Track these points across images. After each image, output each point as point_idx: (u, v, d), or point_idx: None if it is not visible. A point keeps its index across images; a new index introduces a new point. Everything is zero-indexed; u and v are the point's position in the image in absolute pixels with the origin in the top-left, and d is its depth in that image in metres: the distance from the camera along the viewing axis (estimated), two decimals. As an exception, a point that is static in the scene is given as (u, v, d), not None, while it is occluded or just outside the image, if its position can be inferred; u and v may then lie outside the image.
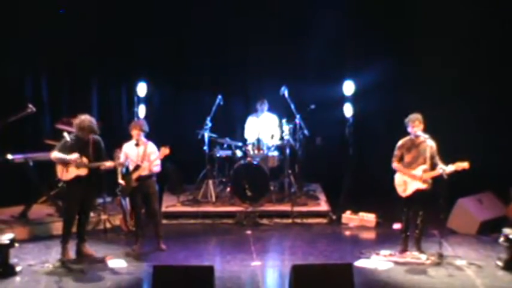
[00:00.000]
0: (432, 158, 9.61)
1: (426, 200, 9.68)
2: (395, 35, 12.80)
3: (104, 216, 11.20)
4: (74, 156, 9.49)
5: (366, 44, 12.95)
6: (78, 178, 9.58)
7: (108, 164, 9.65)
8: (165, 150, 9.93)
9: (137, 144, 10.00)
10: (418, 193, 9.66)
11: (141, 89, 12.69)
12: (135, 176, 9.95)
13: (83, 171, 9.58)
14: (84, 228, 9.91)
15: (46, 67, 12.71)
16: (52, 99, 12.82)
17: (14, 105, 11.16)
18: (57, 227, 10.55)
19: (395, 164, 9.79)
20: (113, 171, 10.18)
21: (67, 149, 9.58)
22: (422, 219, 9.74)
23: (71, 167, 9.57)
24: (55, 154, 9.64)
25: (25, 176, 11.24)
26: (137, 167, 9.94)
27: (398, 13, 12.75)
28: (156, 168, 10.04)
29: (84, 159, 9.53)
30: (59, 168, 9.64)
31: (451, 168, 9.41)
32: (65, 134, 9.68)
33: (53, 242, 10.29)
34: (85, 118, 9.63)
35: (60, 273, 9.18)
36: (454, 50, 12.42)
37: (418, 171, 9.62)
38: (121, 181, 10.03)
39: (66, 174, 9.60)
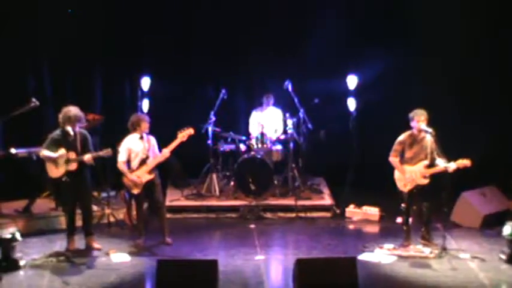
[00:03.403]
0: (432, 152, 9.61)
1: (427, 194, 9.69)
2: (398, 29, 12.76)
3: (107, 210, 11.21)
4: (60, 152, 9.49)
5: (369, 38, 12.92)
6: (68, 174, 9.56)
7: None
8: (190, 131, 9.98)
9: (141, 138, 9.98)
10: (419, 188, 9.67)
11: (145, 83, 12.68)
12: (149, 168, 9.89)
13: (73, 166, 9.56)
14: (87, 222, 9.89)
15: (50, 61, 12.71)
16: (56, 93, 12.82)
17: (17, 99, 11.17)
18: (61, 221, 10.62)
19: (392, 159, 9.76)
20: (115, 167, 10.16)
21: (54, 145, 9.57)
22: (427, 209, 9.79)
23: (60, 163, 9.56)
24: (43, 152, 9.64)
25: (28, 170, 11.24)
26: (146, 160, 9.90)
27: (401, 7, 12.71)
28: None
29: (72, 154, 9.52)
30: (49, 166, 9.65)
31: (452, 165, 9.41)
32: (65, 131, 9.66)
33: (57, 236, 10.32)
34: (70, 108, 9.57)
35: (63, 267, 9.21)
36: (457, 42, 12.40)
37: (419, 167, 9.62)
38: (133, 177, 9.82)
39: (56, 171, 9.61)
